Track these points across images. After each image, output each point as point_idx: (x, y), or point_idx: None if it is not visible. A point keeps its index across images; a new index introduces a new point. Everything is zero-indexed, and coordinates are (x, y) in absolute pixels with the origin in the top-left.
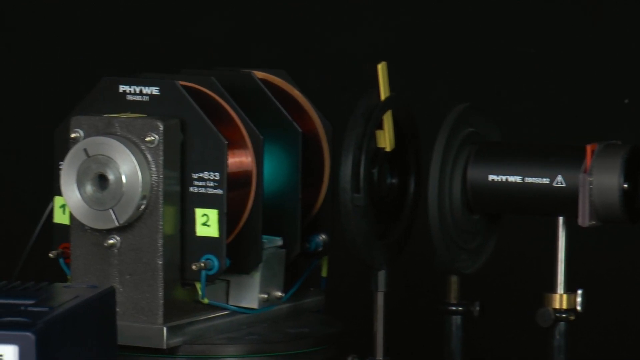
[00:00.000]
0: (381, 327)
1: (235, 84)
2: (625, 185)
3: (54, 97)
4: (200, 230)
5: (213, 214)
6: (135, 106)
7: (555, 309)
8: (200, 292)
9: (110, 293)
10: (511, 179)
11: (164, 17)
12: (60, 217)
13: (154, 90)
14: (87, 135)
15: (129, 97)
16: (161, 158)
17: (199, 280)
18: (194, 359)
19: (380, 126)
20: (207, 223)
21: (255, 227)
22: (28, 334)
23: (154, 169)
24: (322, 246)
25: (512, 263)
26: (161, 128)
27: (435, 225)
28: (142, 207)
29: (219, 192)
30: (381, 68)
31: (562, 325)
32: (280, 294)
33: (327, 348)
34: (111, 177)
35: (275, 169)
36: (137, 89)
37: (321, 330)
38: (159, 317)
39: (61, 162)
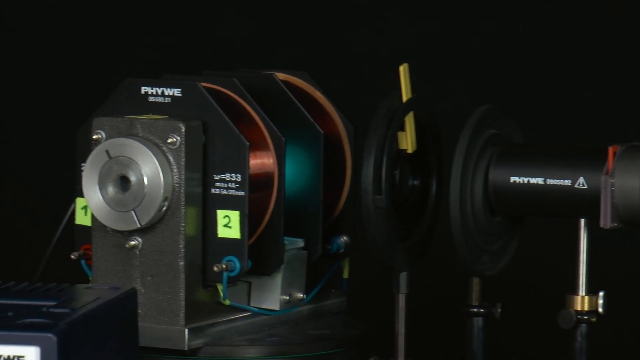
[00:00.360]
0: (402, 329)
1: (257, 85)
2: None
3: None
4: (222, 232)
5: (235, 215)
6: (157, 108)
7: (576, 311)
8: (221, 294)
9: (132, 294)
10: (533, 180)
11: (186, 18)
12: (82, 219)
13: (176, 92)
14: (108, 137)
15: (151, 99)
16: (183, 159)
17: (220, 281)
18: None
19: (402, 128)
20: (229, 224)
21: (276, 228)
22: (49, 335)
23: (175, 170)
24: (344, 248)
25: (533, 265)
26: (183, 129)
27: (457, 227)
28: (164, 208)
29: (241, 193)
30: (403, 70)
31: (583, 327)
32: (301, 295)
33: (348, 350)
34: (133, 178)
35: (297, 171)
36: (159, 91)
37: (342, 332)
38: (180, 319)
39: (83, 164)
